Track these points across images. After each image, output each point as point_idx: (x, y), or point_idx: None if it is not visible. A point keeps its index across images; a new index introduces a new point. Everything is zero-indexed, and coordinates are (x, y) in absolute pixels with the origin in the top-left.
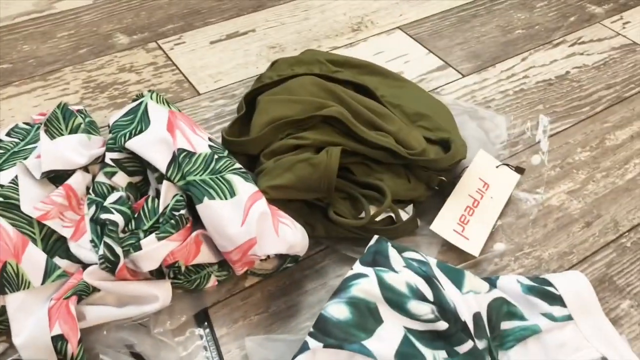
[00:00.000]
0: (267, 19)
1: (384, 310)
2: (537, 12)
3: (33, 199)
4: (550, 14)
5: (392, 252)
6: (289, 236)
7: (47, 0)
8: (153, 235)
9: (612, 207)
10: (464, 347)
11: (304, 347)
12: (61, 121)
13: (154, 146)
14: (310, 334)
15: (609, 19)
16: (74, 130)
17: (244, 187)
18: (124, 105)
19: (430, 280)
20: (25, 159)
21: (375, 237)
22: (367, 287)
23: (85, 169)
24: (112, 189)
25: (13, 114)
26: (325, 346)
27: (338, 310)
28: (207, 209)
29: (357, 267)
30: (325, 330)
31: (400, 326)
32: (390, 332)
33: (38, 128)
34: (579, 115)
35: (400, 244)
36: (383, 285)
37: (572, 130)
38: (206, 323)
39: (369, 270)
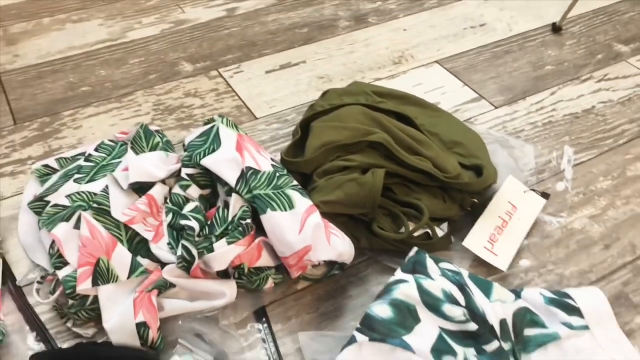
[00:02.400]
0: (316, 52)
1: (422, 312)
2: (567, 50)
3: (121, 206)
4: (579, 51)
5: (430, 263)
6: (339, 245)
7: (120, 29)
8: (224, 240)
9: (631, 232)
10: (491, 347)
11: (352, 340)
12: (143, 139)
13: (225, 164)
14: (357, 330)
15: (634, 57)
16: (153, 148)
17: (301, 201)
18: (190, 126)
19: (462, 287)
20: (112, 171)
21: (415, 248)
22: (407, 291)
23: (163, 181)
24: (187, 199)
25: (93, 131)
26: (370, 340)
27: (382, 310)
28: (270, 218)
29: (399, 274)
30: (370, 327)
31: (436, 326)
32: (426, 330)
33: (121, 145)
34: (602, 146)
35: (436, 256)
36: (421, 289)
37: (596, 160)
38: (264, 319)
39: (409, 277)
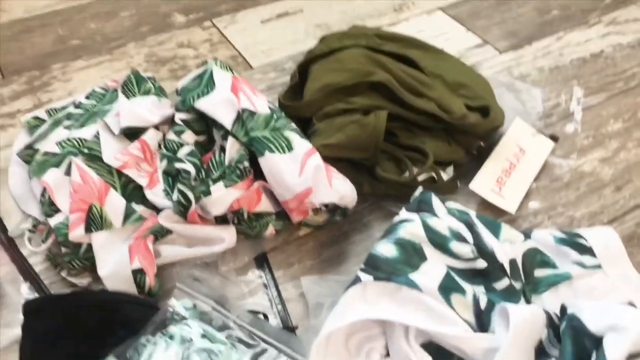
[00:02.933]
0: (314, 0)
1: (428, 250)
2: None
3: (113, 152)
4: None
5: (436, 201)
6: (341, 188)
7: None
8: (221, 183)
9: None
10: (501, 284)
11: (356, 280)
12: (134, 85)
13: (220, 106)
14: (361, 270)
15: None
16: (145, 93)
17: (301, 143)
18: (184, 77)
19: (470, 225)
20: (104, 117)
21: (420, 188)
22: (412, 229)
23: (157, 128)
24: (181, 145)
25: (84, 84)
26: (375, 279)
27: (386, 249)
28: (268, 161)
29: (403, 214)
30: (375, 266)
31: (443, 264)
32: (433, 268)
33: (113, 92)
34: (612, 90)
35: (442, 196)
36: (427, 228)
37: (606, 104)
38: (265, 265)
39: (414, 216)
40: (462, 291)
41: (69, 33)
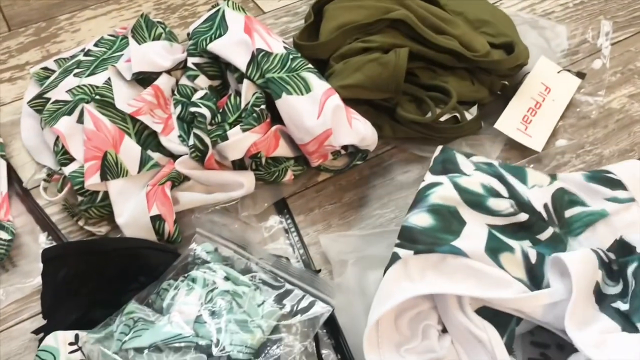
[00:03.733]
0: None
1: (465, 212)
2: None
3: (126, 98)
4: None
5: (460, 158)
6: (361, 129)
7: None
8: (238, 127)
9: None
10: (545, 234)
11: (394, 258)
12: (145, 29)
13: (233, 47)
14: (398, 245)
15: None
16: (156, 38)
17: (319, 83)
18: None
19: (502, 178)
20: (115, 63)
21: (440, 147)
22: (444, 193)
23: (169, 73)
24: (195, 90)
25: (92, 33)
26: (415, 253)
27: (421, 219)
28: (286, 103)
29: (429, 177)
30: (412, 239)
31: (483, 224)
32: (475, 231)
33: (122, 39)
34: None
35: (464, 150)
36: (459, 188)
37: (634, 39)
38: (285, 210)
39: (442, 178)
40: (510, 249)
41: None
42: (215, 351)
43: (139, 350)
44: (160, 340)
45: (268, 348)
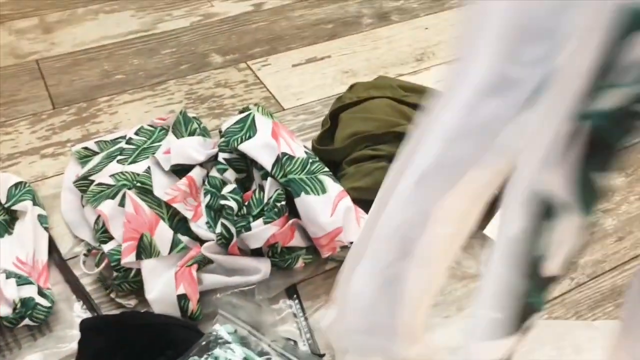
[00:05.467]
0: (341, 47)
1: None
2: None
3: (163, 186)
4: None
5: None
6: None
7: (152, 20)
8: (260, 220)
9: None
10: None
11: None
12: (182, 125)
13: (261, 149)
14: None
15: None
16: (191, 133)
17: (333, 186)
18: (222, 115)
19: None
20: (154, 154)
21: None
22: None
23: (201, 165)
24: (224, 182)
25: (129, 117)
26: None
27: None
28: (304, 201)
29: None
30: None
31: None
32: None
33: (160, 129)
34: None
35: None
36: None
37: None
38: (295, 295)
39: None
40: None
41: (114, 68)
42: None
43: None
44: None
45: None
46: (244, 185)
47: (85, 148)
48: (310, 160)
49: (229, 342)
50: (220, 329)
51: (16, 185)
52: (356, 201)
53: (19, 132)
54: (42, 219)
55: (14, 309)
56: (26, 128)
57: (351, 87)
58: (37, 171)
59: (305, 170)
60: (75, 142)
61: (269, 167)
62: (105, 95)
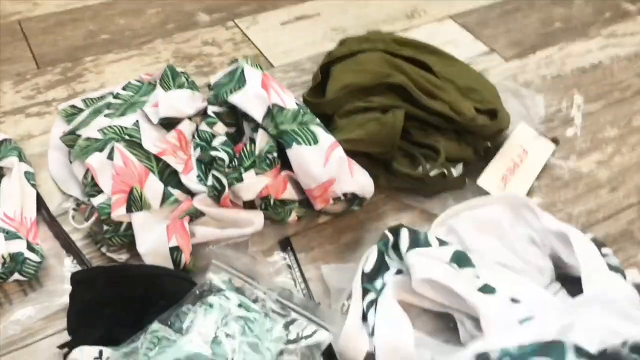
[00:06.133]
0: (331, 5)
1: None
2: (575, 8)
3: (152, 139)
4: (587, 10)
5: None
6: (361, 179)
7: None
8: (252, 171)
9: (636, 176)
10: None
11: None
12: (170, 78)
13: (252, 101)
14: None
15: None
16: (179, 87)
17: (325, 137)
18: (210, 73)
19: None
20: (142, 108)
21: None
22: None
23: (190, 119)
24: (213, 135)
25: (116, 76)
26: None
27: None
28: (296, 152)
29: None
30: None
31: None
32: None
33: (148, 85)
34: (609, 98)
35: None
36: None
37: (603, 111)
38: (289, 248)
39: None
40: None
41: (99, 28)
42: None
43: None
44: (183, 357)
45: None
46: (234, 139)
47: (72, 106)
48: (302, 112)
49: (223, 290)
50: (214, 278)
51: (1, 142)
52: (349, 153)
53: (3, 92)
54: (29, 176)
55: (3, 264)
56: (10, 88)
57: (342, 41)
58: (23, 130)
59: (297, 121)
60: (61, 101)
61: (259, 119)
62: (90, 55)
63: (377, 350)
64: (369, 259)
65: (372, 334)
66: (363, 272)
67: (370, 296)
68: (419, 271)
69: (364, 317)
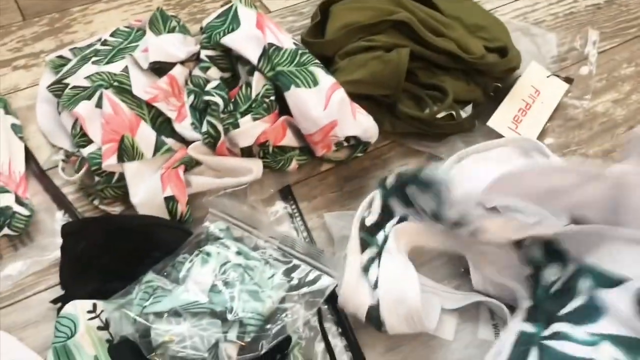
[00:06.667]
0: None
1: None
2: None
3: (142, 85)
4: None
5: None
6: (364, 121)
7: None
8: (249, 116)
9: None
10: None
11: None
12: (160, 22)
13: (246, 41)
14: None
15: None
16: (170, 31)
17: (325, 78)
18: (204, 19)
19: None
20: (131, 54)
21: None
22: None
23: (182, 64)
24: (207, 81)
25: (105, 26)
26: None
27: None
28: (294, 95)
29: None
30: None
31: None
32: None
33: (137, 30)
34: (625, 35)
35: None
36: None
37: (619, 48)
38: (290, 197)
39: None
40: None
41: None
42: (229, 317)
43: (158, 314)
44: (179, 305)
45: (277, 316)
46: (229, 85)
47: (60, 57)
48: (300, 52)
49: (221, 238)
50: (211, 226)
51: None
52: (351, 97)
53: None
54: (16, 129)
55: None
56: None
57: None
58: (10, 83)
59: (295, 62)
60: (49, 52)
61: (255, 60)
62: (78, 4)
63: (382, 302)
64: (372, 209)
65: (374, 286)
66: (364, 224)
67: (372, 250)
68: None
69: (365, 270)
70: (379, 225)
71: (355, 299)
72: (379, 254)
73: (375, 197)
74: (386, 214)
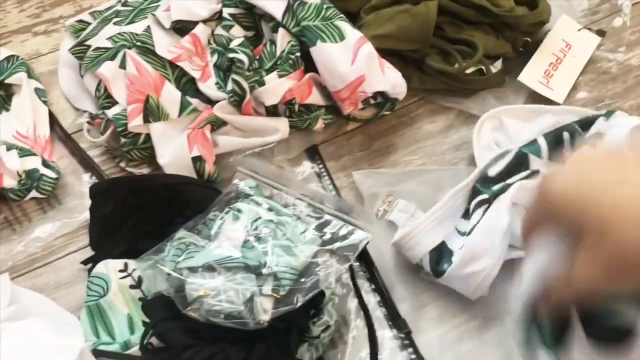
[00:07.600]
0: None
1: None
2: None
3: (165, 45)
4: None
5: None
6: (393, 76)
7: None
8: (275, 73)
9: None
10: None
11: None
12: None
13: None
14: None
15: None
16: None
17: (352, 32)
18: None
19: None
20: (153, 13)
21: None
22: None
23: (204, 23)
24: (230, 40)
25: None
26: None
27: None
28: (320, 50)
29: None
30: None
31: None
32: None
33: None
34: None
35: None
36: None
37: None
38: (317, 157)
39: None
40: None
41: None
42: (263, 271)
43: (192, 269)
44: (213, 260)
45: (311, 270)
46: (253, 44)
47: (80, 21)
48: (325, 6)
49: (252, 195)
50: (241, 184)
51: (8, 58)
52: (378, 51)
53: (7, 12)
54: (40, 93)
55: (19, 181)
56: (14, 7)
57: None
58: (31, 49)
59: (320, 17)
60: (69, 17)
61: (279, 16)
62: None
63: (464, 251)
64: (499, 160)
65: (468, 233)
66: (485, 174)
67: (482, 196)
68: None
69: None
70: (506, 174)
71: (422, 241)
72: (488, 201)
73: (508, 151)
74: (516, 167)
